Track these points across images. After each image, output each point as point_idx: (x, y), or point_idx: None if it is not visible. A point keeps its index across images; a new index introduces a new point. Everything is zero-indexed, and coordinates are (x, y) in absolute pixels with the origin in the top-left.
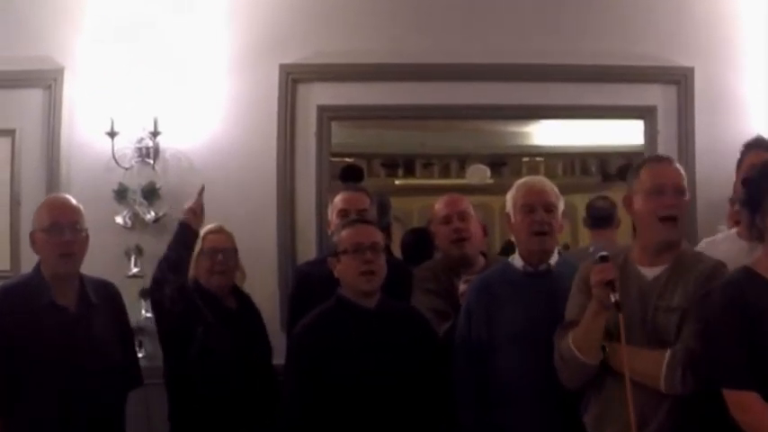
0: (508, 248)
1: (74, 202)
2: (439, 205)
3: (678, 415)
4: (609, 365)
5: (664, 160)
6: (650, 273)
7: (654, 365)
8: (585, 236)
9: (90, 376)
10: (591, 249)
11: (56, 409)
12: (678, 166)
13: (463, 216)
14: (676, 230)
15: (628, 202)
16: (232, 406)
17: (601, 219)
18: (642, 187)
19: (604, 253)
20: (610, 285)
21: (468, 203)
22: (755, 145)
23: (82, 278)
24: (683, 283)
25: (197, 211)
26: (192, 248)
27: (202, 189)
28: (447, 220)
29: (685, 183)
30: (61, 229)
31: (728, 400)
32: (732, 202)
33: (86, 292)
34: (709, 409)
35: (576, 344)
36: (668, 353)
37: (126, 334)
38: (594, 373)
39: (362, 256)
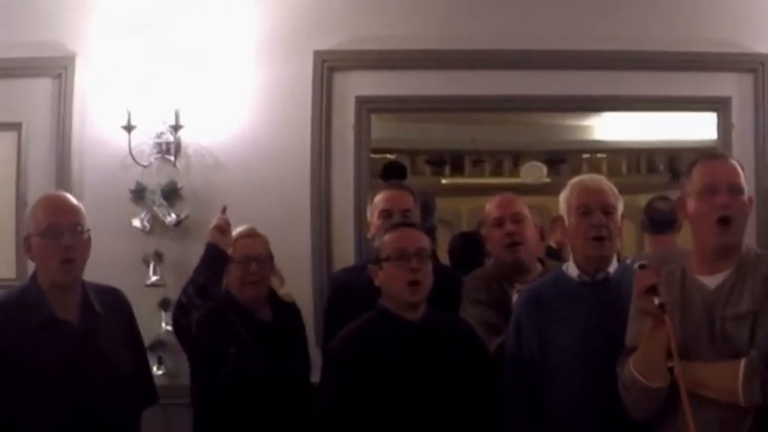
0: (549, 254)
1: (72, 199)
2: (490, 206)
3: (763, 429)
4: (677, 387)
5: (717, 158)
6: (712, 282)
7: (729, 378)
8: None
9: (98, 395)
10: (628, 261)
11: None
12: (734, 162)
13: (517, 218)
14: (733, 233)
15: (682, 205)
16: (262, 426)
17: (661, 222)
18: (694, 188)
19: (642, 262)
20: (652, 291)
21: (522, 204)
22: None
23: (84, 286)
24: (750, 286)
25: (224, 228)
26: (222, 272)
27: (224, 209)
28: (499, 222)
29: (743, 180)
30: (60, 231)
31: None
32: None
33: (90, 301)
34: None
35: (637, 368)
36: (743, 362)
37: (137, 346)
38: (663, 401)
39: (407, 263)
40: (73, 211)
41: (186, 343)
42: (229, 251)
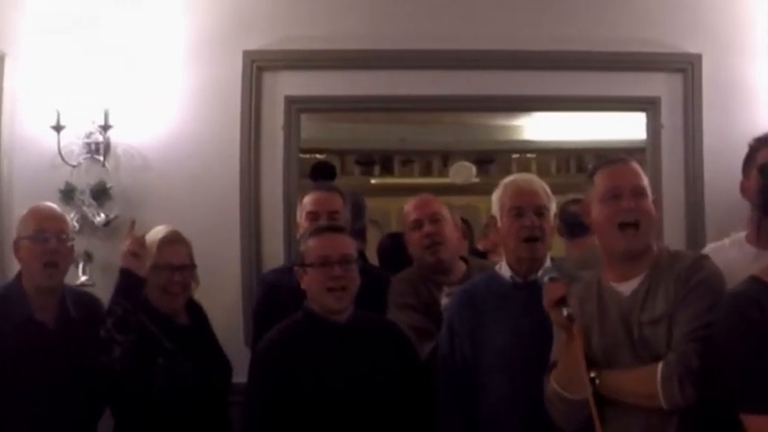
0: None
1: (58, 210)
2: (408, 208)
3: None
4: (604, 397)
5: (618, 161)
6: (627, 288)
7: (648, 383)
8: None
9: (68, 396)
10: (539, 274)
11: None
12: (636, 165)
13: (435, 218)
14: (639, 237)
15: (586, 212)
16: (197, 428)
17: (575, 226)
18: (597, 193)
19: (552, 275)
20: (561, 302)
21: (440, 204)
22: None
23: (64, 290)
24: (664, 289)
25: (137, 252)
26: (139, 299)
27: (133, 224)
28: (418, 224)
29: (646, 183)
30: (46, 237)
31: (748, 426)
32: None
33: (67, 306)
34: (723, 421)
35: (558, 382)
36: (660, 365)
37: None
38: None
39: (330, 271)
40: (60, 219)
41: (109, 381)
42: (147, 266)
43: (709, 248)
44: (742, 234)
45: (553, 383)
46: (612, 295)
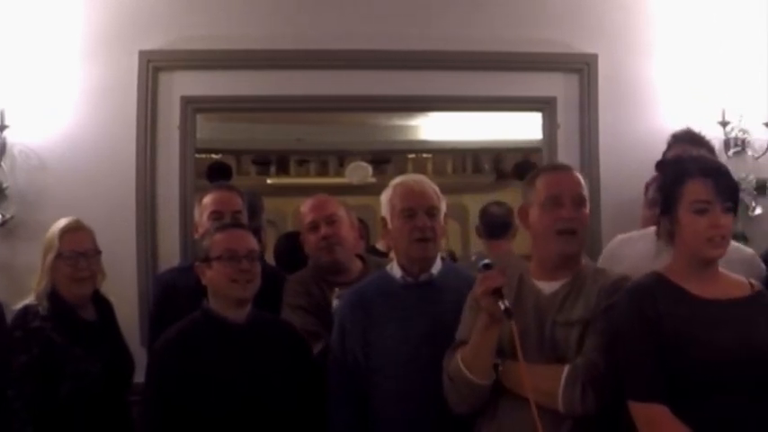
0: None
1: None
2: (304, 210)
3: None
4: (503, 386)
5: (561, 168)
6: (548, 287)
7: (551, 382)
8: (478, 242)
9: None
10: (473, 258)
11: None
12: (578, 175)
13: (332, 220)
14: (575, 244)
15: (523, 215)
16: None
17: (496, 227)
18: (538, 198)
19: (487, 261)
20: (497, 293)
21: (336, 205)
22: (682, 138)
23: None
24: (585, 296)
25: None
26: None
27: None
28: (314, 225)
29: (586, 192)
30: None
31: (635, 414)
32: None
33: None
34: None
35: (465, 363)
36: (567, 368)
37: None
38: (486, 398)
39: (238, 264)
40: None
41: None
42: (50, 258)
43: (618, 239)
44: (651, 229)
45: (459, 363)
46: (532, 291)
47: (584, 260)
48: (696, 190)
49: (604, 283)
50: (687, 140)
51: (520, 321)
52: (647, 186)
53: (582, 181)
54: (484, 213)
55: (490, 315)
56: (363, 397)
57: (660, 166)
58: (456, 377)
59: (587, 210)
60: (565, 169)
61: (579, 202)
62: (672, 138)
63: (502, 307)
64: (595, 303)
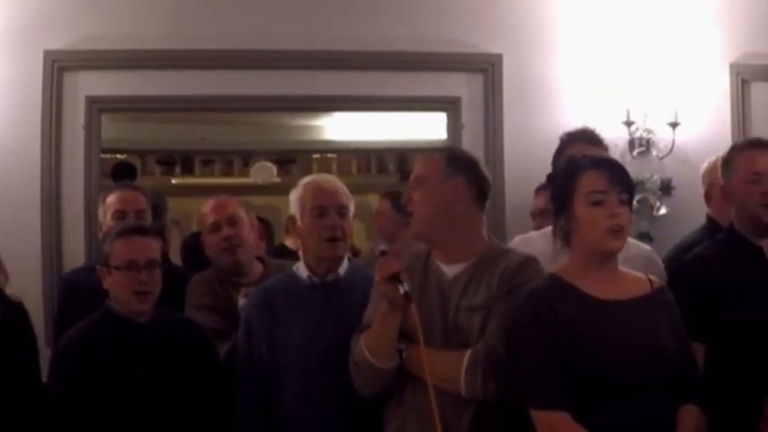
0: (285, 254)
1: None
2: (205, 210)
3: (484, 423)
4: (408, 371)
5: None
6: (451, 270)
7: (453, 367)
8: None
9: None
10: (371, 246)
11: None
12: (430, 159)
13: (233, 221)
14: (412, 225)
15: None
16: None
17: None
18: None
19: (383, 247)
20: (395, 279)
21: (237, 206)
22: (577, 137)
23: None
24: (487, 280)
25: None
26: None
27: None
28: (215, 226)
29: (430, 174)
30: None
31: (535, 420)
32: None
33: None
34: (517, 416)
35: (368, 348)
36: (468, 353)
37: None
38: (391, 382)
39: (136, 275)
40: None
41: None
42: None
43: (518, 239)
44: (549, 228)
45: (363, 348)
46: (437, 273)
47: (490, 241)
48: (591, 181)
49: (508, 265)
50: (583, 139)
51: (425, 306)
52: (537, 192)
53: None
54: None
55: (390, 301)
56: (270, 396)
57: (552, 178)
58: (360, 362)
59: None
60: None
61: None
62: (566, 136)
63: (401, 291)
64: (498, 286)
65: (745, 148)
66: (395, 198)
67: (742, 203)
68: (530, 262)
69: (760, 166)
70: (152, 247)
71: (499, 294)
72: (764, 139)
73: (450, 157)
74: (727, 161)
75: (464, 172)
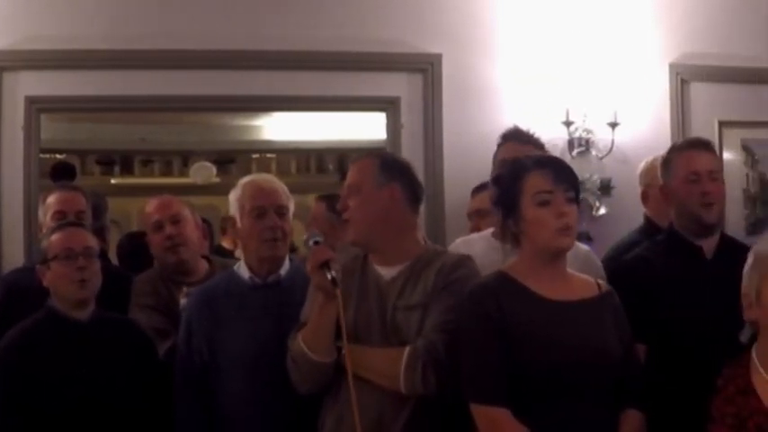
0: (222, 255)
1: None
2: (149, 210)
3: (421, 420)
4: (345, 368)
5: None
6: (388, 272)
7: (393, 364)
8: None
9: None
10: (305, 237)
11: None
12: (362, 164)
13: (176, 219)
14: (348, 231)
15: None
16: None
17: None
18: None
19: (317, 238)
20: (325, 266)
21: (181, 205)
22: (510, 137)
23: None
24: (424, 280)
25: None
26: None
27: None
28: (159, 225)
29: (365, 180)
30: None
31: (476, 416)
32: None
33: None
34: (456, 412)
35: (306, 342)
36: (407, 349)
37: None
38: (328, 377)
39: (74, 262)
40: None
41: None
42: None
43: (459, 241)
44: (489, 230)
45: (300, 342)
46: (374, 275)
47: (426, 244)
48: (536, 182)
49: (445, 263)
50: (515, 139)
51: (364, 307)
52: (474, 193)
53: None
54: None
55: (323, 290)
56: (210, 395)
57: (497, 180)
58: (298, 357)
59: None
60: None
61: (353, 190)
62: (500, 138)
63: (329, 277)
64: (434, 283)
65: (684, 149)
66: (330, 201)
67: (682, 203)
68: (465, 260)
69: (699, 166)
70: (89, 237)
71: (435, 291)
72: (703, 139)
73: (384, 164)
74: (667, 161)
75: (398, 178)
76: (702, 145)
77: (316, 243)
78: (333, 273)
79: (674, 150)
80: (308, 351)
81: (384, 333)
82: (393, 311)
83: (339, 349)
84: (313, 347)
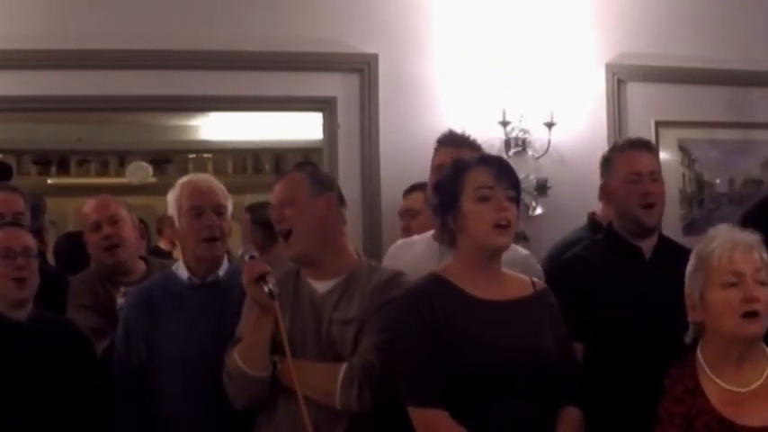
0: (159, 255)
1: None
2: (87, 210)
3: None
4: (282, 384)
5: (283, 174)
6: (323, 286)
7: (328, 379)
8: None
9: None
10: (240, 252)
11: None
12: (294, 178)
13: (114, 220)
14: (289, 246)
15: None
16: None
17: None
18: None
19: (252, 253)
20: (261, 279)
21: (118, 205)
22: (445, 141)
23: None
24: (360, 295)
25: None
26: None
27: None
28: (96, 226)
29: (300, 193)
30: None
31: (414, 419)
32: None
33: None
34: (392, 425)
35: (241, 356)
36: (344, 366)
37: None
38: (265, 392)
39: (13, 261)
40: None
41: None
42: None
43: (400, 243)
44: (430, 232)
45: (236, 357)
46: (308, 290)
47: (359, 259)
48: (478, 177)
49: (378, 281)
50: (450, 143)
51: (299, 321)
52: (406, 194)
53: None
54: (262, 218)
55: (259, 303)
56: (148, 395)
57: (435, 188)
58: (233, 372)
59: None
60: (285, 176)
61: (284, 205)
62: (436, 142)
63: (266, 290)
64: (369, 302)
65: (626, 149)
66: (255, 212)
67: (622, 204)
68: (398, 276)
69: (641, 167)
70: (27, 237)
71: (371, 309)
72: (644, 140)
73: (314, 175)
74: (607, 161)
75: (330, 188)
76: (643, 145)
77: (251, 258)
78: (270, 286)
79: (615, 150)
80: (245, 366)
81: (319, 347)
82: (328, 325)
83: (275, 364)
84: (249, 362)
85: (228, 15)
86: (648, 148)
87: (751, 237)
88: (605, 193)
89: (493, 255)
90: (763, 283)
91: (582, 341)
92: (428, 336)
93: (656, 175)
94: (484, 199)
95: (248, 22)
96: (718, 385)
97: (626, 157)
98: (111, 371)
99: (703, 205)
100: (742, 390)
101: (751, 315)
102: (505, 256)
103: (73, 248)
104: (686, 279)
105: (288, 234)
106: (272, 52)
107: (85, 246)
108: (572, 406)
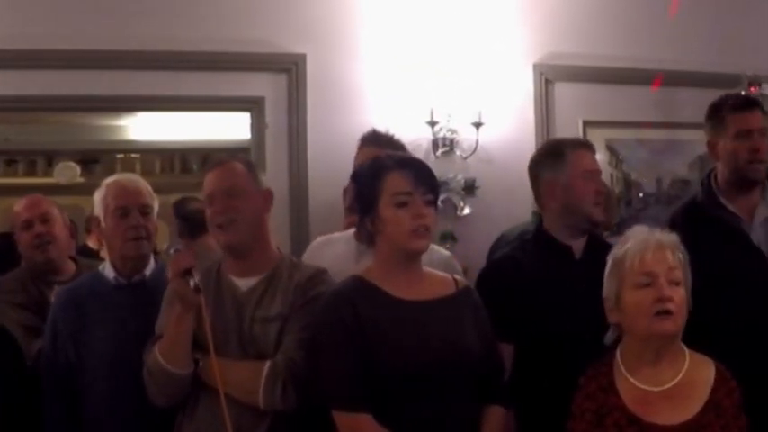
0: (87, 254)
1: None
2: (18, 209)
3: None
4: (203, 382)
5: (224, 161)
6: (245, 283)
7: (251, 378)
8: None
9: None
10: (165, 246)
11: None
12: (235, 168)
13: (45, 218)
14: (229, 235)
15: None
16: None
17: (200, 224)
18: (204, 194)
19: (178, 247)
20: (187, 273)
21: (50, 204)
22: (368, 141)
23: None
24: (283, 292)
25: None
26: None
27: None
28: (28, 224)
29: (245, 183)
30: None
31: (338, 423)
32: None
33: None
34: (314, 425)
35: (162, 353)
36: (267, 364)
37: None
38: (186, 390)
39: None
40: None
41: None
42: None
43: (320, 240)
44: (351, 231)
45: (157, 354)
46: (230, 287)
47: (281, 255)
48: (395, 183)
49: (300, 279)
50: (373, 143)
51: (221, 318)
52: (345, 192)
53: (240, 173)
54: (183, 211)
55: (183, 298)
56: (76, 395)
57: (356, 176)
58: (154, 369)
59: (242, 201)
60: (223, 165)
61: (230, 194)
62: (359, 141)
63: (191, 284)
64: (292, 299)
65: (578, 147)
66: (176, 206)
67: (575, 200)
68: (321, 274)
69: (594, 165)
70: None
71: (294, 307)
72: (589, 141)
73: (251, 167)
74: (557, 156)
75: (263, 182)
76: (590, 146)
77: (177, 251)
78: (195, 280)
79: (567, 146)
80: (165, 363)
81: (241, 344)
82: (250, 322)
83: (197, 361)
84: (170, 359)
85: (156, 15)
86: (592, 148)
87: (666, 237)
88: (551, 188)
89: (411, 257)
90: (677, 283)
91: (513, 341)
92: (350, 340)
93: (600, 174)
94: (401, 205)
95: (176, 21)
96: (631, 384)
97: (579, 154)
98: (41, 371)
99: (631, 205)
100: (655, 389)
101: (663, 314)
102: (426, 258)
103: (2, 248)
104: (604, 282)
105: (229, 223)
106: (200, 52)
107: (15, 245)
108: (496, 405)
